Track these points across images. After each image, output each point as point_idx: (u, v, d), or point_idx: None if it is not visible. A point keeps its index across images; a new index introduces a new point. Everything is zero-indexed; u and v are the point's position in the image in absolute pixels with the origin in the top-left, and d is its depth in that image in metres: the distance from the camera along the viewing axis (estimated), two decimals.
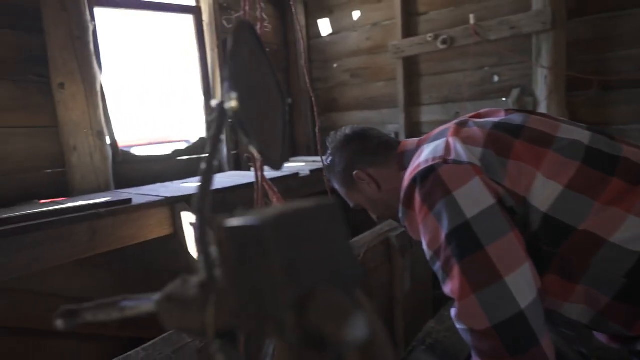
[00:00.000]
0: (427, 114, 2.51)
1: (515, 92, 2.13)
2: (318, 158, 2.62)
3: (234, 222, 0.25)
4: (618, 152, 0.67)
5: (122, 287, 1.52)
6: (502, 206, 0.64)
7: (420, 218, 0.69)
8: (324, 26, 2.85)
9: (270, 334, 0.22)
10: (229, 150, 2.39)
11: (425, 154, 0.72)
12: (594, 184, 0.63)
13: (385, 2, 2.56)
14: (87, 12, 1.62)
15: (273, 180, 1.87)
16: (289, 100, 2.96)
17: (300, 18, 2.85)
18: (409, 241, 1.92)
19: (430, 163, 0.69)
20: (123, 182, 1.83)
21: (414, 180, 0.70)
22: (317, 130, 1.04)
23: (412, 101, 2.54)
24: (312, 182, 2.00)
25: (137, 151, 2.00)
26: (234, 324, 0.24)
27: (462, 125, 0.76)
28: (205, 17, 2.24)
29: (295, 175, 1.89)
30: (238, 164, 2.47)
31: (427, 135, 0.84)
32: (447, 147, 0.70)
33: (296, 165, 2.23)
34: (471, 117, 0.85)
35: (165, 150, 2.15)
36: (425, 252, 0.71)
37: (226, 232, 0.25)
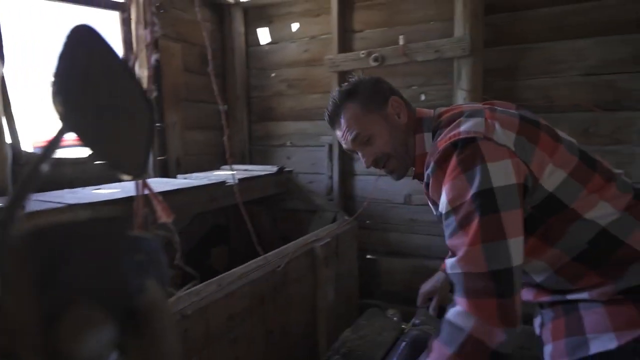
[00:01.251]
0: None
1: None
2: (251, 167, 2.58)
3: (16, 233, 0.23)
4: (594, 156, 0.88)
5: None
6: (522, 186, 0.79)
7: (451, 178, 0.80)
8: (263, 35, 2.84)
9: (20, 354, 0.20)
10: (154, 156, 2.27)
11: (466, 126, 0.82)
12: (585, 176, 0.82)
13: (323, 17, 2.62)
14: None
15: (197, 188, 1.81)
16: (225, 107, 2.89)
17: (238, 25, 2.82)
18: (334, 252, 1.94)
19: (472, 135, 0.80)
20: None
21: (454, 145, 0.81)
22: (225, 139, 1.02)
23: None
24: (240, 191, 1.96)
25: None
26: None
27: (492, 110, 0.88)
28: (134, 15, 2.13)
29: (221, 184, 1.84)
30: (165, 170, 2.36)
31: (451, 110, 0.95)
32: (488, 126, 0.81)
33: (224, 174, 2.18)
34: (488, 104, 0.97)
35: (81, 153, 1.99)
36: (442, 206, 0.82)
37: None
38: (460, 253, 0.77)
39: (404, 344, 1.12)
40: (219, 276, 1.26)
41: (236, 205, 1.89)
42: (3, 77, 1.55)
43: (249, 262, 1.40)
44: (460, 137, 0.80)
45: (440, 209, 0.84)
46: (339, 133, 1.01)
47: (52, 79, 0.29)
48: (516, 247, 0.75)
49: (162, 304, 0.24)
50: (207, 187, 1.78)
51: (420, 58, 2.23)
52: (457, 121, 0.86)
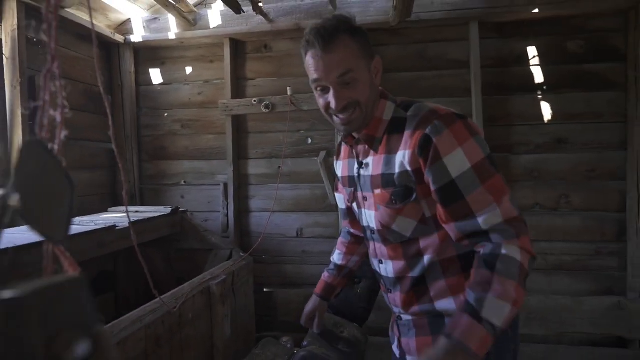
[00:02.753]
0: (253, 167, 2.75)
1: (322, 154, 2.57)
2: (143, 208, 2.52)
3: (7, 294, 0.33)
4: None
5: None
6: None
7: (462, 137, 0.86)
8: (155, 75, 2.87)
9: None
10: None
11: (438, 106, 0.93)
12: (487, 172, 0.86)
13: (217, 63, 2.77)
14: None
15: (88, 233, 1.74)
16: (112, 146, 2.80)
17: (128, 64, 2.80)
18: (230, 289, 2.02)
19: (458, 113, 0.91)
20: None
21: (454, 115, 0.89)
22: (123, 179, 1.09)
23: (240, 155, 2.76)
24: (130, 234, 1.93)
25: None
26: None
27: None
28: (7, 50, 2.00)
29: (112, 228, 1.80)
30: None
31: (403, 98, 1.01)
32: (459, 113, 0.92)
33: (114, 217, 2.11)
34: None
35: None
36: (461, 160, 0.85)
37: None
38: (500, 204, 0.84)
39: None
40: (112, 323, 1.26)
41: (126, 249, 1.86)
42: None
43: (144, 306, 1.42)
44: (453, 111, 0.91)
45: (452, 163, 0.85)
46: (318, 60, 0.89)
47: (11, 185, 0.40)
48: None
49: (105, 333, 0.37)
50: (97, 232, 1.72)
51: (306, 107, 2.52)
52: (426, 104, 0.95)
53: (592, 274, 2.43)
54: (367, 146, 0.99)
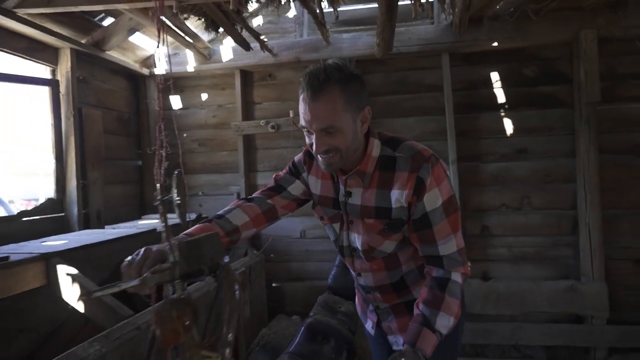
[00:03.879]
0: (262, 179, 3.19)
1: None
2: (169, 215, 2.95)
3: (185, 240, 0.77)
4: None
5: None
6: None
7: (441, 180, 1.01)
8: (175, 101, 3.32)
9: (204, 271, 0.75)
10: (78, 209, 2.51)
11: (421, 147, 1.05)
12: (451, 208, 1.02)
13: (228, 90, 3.23)
14: None
15: (132, 236, 2.17)
16: (139, 163, 3.24)
17: (152, 92, 3.25)
18: (248, 280, 2.45)
19: (434, 154, 1.03)
20: None
21: (434, 157, 1.02)
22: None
23: (250, 168, 3.20)
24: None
25: None
26: (190, 270, 0.75)
27: None
28: (62, 88, 2.45)
29: (152, 231, 2.24)
30: (87, 223, 2.59)
31: (385, 134, 1.10)
32: (436, 155, 1.04)
33: (147, 223, 2.55)
34: None
35: (8, 211, 2.18)
36: (436, 197, 1.00)
37: (181, 245, 0.77)
38: (455, 237, 1.02)
39: (302, 328, 1.68)
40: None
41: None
42: None
43: (194, 284, 1.84)
44: (432, 154, 1.03)
45: (429, 201, 0.99)
46: (305, 107, 0.96)
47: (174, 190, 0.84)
48: None
49: (229, 267, 0.81)
50: (141, 235, 2.15)
51: None
52: (410, 140, 1.07)
53: (550, 262, 2.88)
54: (357, 178, 1.07)
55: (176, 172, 0.85)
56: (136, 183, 3.18)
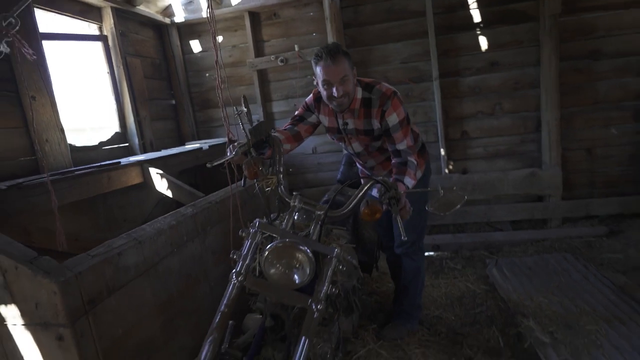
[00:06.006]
0: (276, 107, 3.80)
1: None
2: (204, 141, 3.63)
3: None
4: None
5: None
6: None
7: (397, 107, 1.65)
8: (195, 45, 3.84)
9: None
10: (139, 140, 3.19)
11: (387, 86, 1.70)
12: (404, 124, 1.70)
13: (240, 31, 3.72)
14: (41, 46, 2.31)
15: (184, 153, 2.86)
16: (173, 102, 3.86)
17: (175, 39, 3.77)
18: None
19: (395, 90, 1.69)
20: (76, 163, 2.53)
21: (393, 93, 1.68)
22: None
23: (266, 98, 3.79)
24: (211, 154, 3.05)
25: (74, 142, 2.71)
26: (256, 140, 1.41)
27: None
28: (110, 42, 3.00)
29: (200, 149, 2.92)
30: (144, 149, 3.29)
31: (362, 79, 1.74)
32: (395, 90, 1.70)
33: (196, 145, 3.24)
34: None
35: (92, 141, 2.88)
36: (394, 119, 1.66)
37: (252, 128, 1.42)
38: (406, 140, 1.67)
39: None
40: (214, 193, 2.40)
41: (199, 165, 3.00)
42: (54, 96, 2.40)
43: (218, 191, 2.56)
44: (393, 89, 1.68)
45: (390, 120, 1.64)
46: (327, 68, 1.54)
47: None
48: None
49: (276, 137, 1.46)
50: (192, 152, 2.85)
51: (310, 58, 3.50)
52: (380, 83, 1.70)
53: (518, 156, 3.52)
54: (349, 113, 1.74)
55: (243, 95, 1.49)
56: (173, 119, 3.83)
